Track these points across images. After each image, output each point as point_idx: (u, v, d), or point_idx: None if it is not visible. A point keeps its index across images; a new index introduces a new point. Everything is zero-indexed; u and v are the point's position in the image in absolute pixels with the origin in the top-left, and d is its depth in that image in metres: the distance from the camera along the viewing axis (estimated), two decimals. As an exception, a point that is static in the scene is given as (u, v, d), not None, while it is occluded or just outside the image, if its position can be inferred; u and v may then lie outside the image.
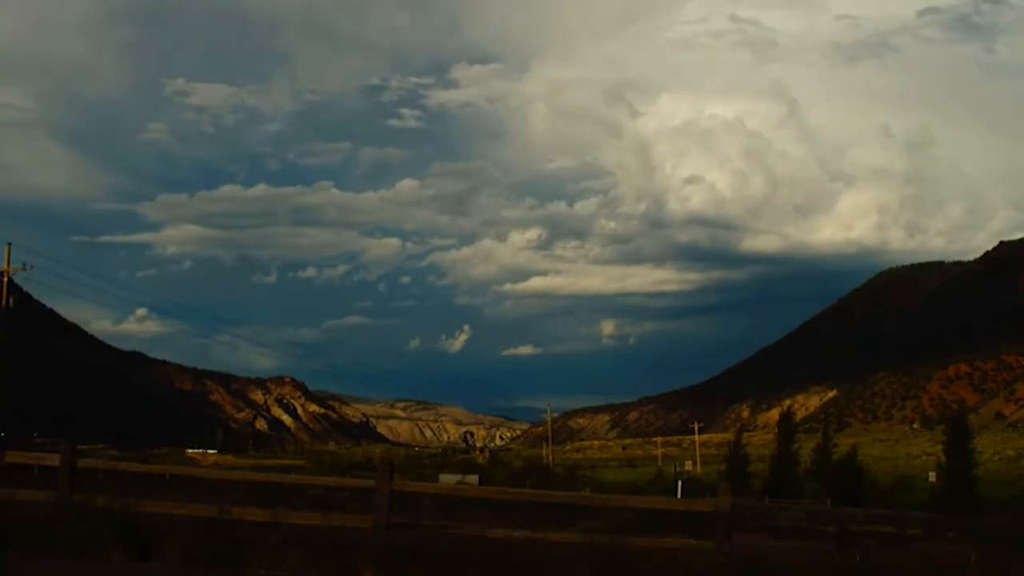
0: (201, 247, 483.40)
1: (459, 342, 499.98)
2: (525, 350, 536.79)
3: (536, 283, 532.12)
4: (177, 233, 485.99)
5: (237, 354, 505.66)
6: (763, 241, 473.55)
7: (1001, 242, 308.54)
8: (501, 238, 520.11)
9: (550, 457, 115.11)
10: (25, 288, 69.51)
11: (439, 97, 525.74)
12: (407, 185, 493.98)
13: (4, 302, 49.12)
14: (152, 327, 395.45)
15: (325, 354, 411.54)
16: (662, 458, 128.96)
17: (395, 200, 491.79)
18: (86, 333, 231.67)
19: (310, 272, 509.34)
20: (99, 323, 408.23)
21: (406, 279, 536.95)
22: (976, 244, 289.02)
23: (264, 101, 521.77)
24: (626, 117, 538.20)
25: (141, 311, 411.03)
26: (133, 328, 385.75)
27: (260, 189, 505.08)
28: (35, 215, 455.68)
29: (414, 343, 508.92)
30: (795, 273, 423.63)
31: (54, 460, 12.49)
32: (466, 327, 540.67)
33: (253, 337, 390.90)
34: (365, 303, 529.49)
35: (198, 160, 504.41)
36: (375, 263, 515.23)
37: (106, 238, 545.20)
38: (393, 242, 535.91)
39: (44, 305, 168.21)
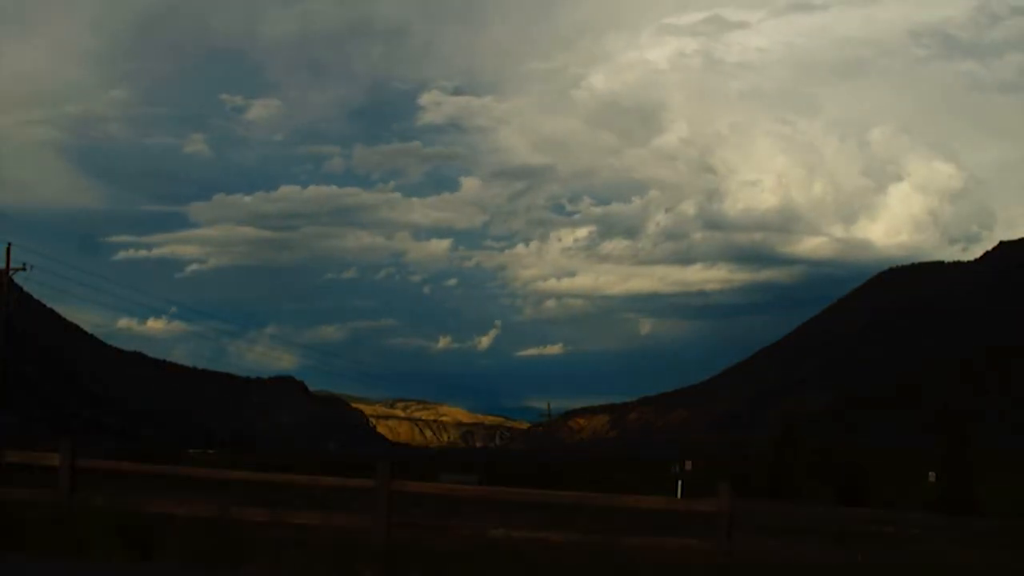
0: (239, 248, 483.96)
1: (486, 343, 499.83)
2: (541, 351, 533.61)
3: (561, 284, 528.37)
4: (218, 233, 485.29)
5: (252, 355, 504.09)
6: (803, 244, 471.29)
7: (1001, 242, 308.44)
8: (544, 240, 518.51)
9: (550, 456, 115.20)
10: (25, 288, 69.44)
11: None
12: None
13: (4, 302, 49.12)
14: (170, 328, 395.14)
15: (346, 356, 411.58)
16: (662, 458, 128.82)
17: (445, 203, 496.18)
18: (86, 333, 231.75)
19: (351, 273, 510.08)
20: (120, 324, 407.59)
21: (452, 281, 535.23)
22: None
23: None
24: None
25: (164, 312, 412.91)
26: (150, 329, 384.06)
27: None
28: (83, 219, 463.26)
29: (443, 342, 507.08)
30: (836, 274, 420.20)
31: (54, 460, 12.50)
32: (496, 327, 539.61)
33: (273, 338, 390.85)
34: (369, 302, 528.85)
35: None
36: (420, 264, 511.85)
37: (154, 237, 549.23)
38: (444, 243, 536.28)
39: (44, 305, 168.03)
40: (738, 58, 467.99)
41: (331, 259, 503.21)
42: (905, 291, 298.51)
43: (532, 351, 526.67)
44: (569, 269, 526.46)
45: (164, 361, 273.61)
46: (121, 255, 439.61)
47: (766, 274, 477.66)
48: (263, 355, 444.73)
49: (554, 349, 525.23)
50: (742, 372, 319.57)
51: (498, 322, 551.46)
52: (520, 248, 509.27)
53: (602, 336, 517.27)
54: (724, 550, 10.69)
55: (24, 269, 49.93)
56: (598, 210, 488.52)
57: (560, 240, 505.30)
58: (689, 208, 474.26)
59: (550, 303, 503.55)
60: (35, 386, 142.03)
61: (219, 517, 12.18)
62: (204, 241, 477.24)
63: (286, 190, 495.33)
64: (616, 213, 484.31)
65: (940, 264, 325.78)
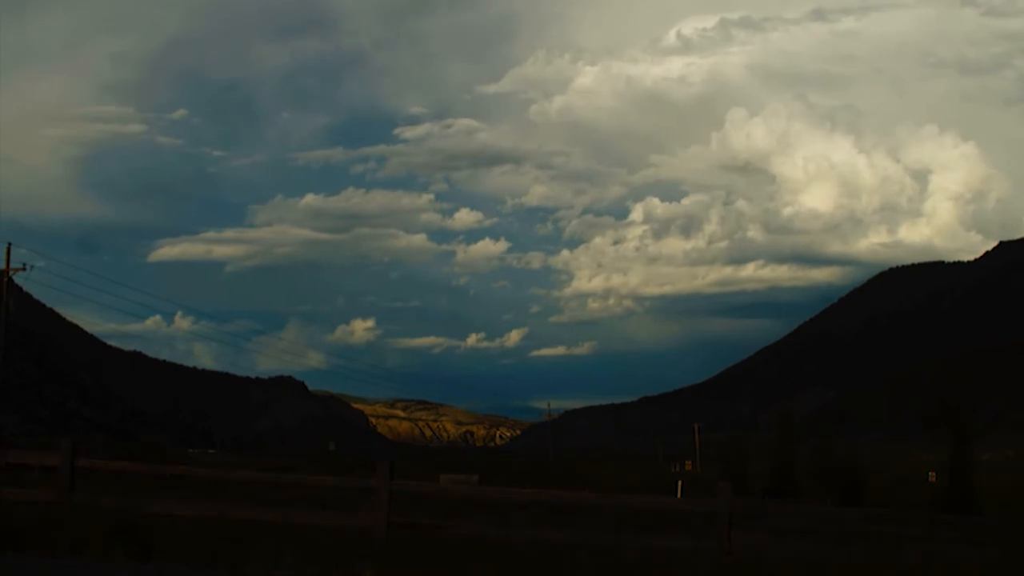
0: (284, 249, 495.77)
1: (508, 344, 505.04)
2: (569, 350, 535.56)
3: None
4: (266, 235, 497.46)
5: (268, 355, 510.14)
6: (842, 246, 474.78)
7: (1001, 242, 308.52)
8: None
9: (550, 457, 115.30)
10: (25, 288, 69.47)
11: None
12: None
13: (4, 302, 49.13)
14: (181, 329, 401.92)
15: (361, 357, 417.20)
16: (662, 458, 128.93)
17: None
18: (86, 333, 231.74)
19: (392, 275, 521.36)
20: (135, 326, 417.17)
21: (500, 282, 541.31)
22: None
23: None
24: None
25: (173, 313, 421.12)
26: (160, 330, 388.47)
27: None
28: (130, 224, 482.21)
29: (470, 341, 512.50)
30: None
31: (54, 460, 12.51)
32: (523, 329, 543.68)
33: (284, 339, 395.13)
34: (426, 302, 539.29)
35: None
36: (468, 265, 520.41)
37: (212, 233, 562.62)
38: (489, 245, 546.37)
39: (44, 305, 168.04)
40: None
41: (381, 260, 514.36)
42: (905, 291, 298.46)
43: (549, 351, 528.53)
44: (615, 269, 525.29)
45: (164, 361, 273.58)
46: (163, 256, 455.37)
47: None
48: (268, 356, 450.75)
49: (582, 349, 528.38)
50: (742, 372, 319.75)
51: (528, 323, 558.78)
52: (570, 250, 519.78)
53: (633, 336, 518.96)
54: (724, 550, 10.69)
55: (24, 269, 49.97)
56: (647, 211, 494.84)
57: (608, 242, 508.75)
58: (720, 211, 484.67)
59: (594, 303, 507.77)
60: (35, 386, 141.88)
61: (219, 517, 12.19)
62: (251, 241, 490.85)
63: (345, 193, 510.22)
64: (671, 214, 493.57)
65: (940, 264, 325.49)
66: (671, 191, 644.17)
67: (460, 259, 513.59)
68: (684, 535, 16.43)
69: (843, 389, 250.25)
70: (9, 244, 50.17)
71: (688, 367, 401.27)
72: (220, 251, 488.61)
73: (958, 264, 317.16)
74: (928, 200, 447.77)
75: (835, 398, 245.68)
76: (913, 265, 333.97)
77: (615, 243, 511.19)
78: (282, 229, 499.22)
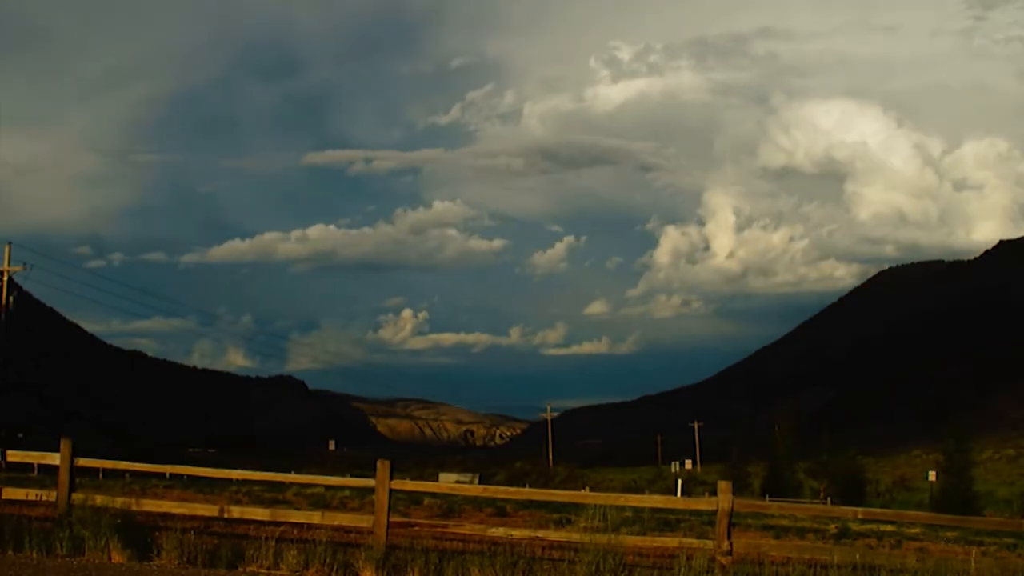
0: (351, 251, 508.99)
1: (531, 342, 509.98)
2: (571, 350, 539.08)
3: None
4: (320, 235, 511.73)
5: (291, 356, 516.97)
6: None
7: (1001, 241, 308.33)
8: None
9: (550, 456, 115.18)
10: (25, 287, 69.34)
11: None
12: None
13: (4, 302, 49.07)
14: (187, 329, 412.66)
15: (397, 357, 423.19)
16: (662, 457, 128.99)
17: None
18: (86, 332, 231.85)
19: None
20: (148, 327, 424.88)
21: (567, 281, 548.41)
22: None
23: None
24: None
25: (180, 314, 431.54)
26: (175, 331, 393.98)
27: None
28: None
29: (508, 338, 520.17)
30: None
31: (54, 459, 12.50)
32: (561, 327, 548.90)
33: (313, 341, 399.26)
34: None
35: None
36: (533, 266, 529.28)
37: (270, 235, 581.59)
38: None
39: (44, 304, 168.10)
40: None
41: (447, 262, 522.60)
42: (905, 291, 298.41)
43: (552, 351, 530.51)
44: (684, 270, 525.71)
45: (164, 361, 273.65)
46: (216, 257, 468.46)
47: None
48: (295, 356, 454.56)
49: (622, 348, 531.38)
50: (742, 372, 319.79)
51: (562, 322, 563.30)
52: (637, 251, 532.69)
53: (675, 336, 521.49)
54: (724, 549, 10.69)
55: (24, 268, 49.85)
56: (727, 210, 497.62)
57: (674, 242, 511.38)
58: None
59: (661, 299, 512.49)
60: (35, 386, 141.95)
61: (219, 517, 12.20)
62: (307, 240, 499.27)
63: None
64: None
65: (940, 264, 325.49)
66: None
67: (522, 259, 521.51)
68: (684, 534, 16.42)
69: (843, 389, 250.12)
70: (9, 243, 50.14)
71: (692, 365, 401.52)
72: (284, 250, 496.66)
73: (958, 264, 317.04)
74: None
75: (835, 398, 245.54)
76: (913, 265, 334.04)
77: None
78: (358, 232, 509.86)
